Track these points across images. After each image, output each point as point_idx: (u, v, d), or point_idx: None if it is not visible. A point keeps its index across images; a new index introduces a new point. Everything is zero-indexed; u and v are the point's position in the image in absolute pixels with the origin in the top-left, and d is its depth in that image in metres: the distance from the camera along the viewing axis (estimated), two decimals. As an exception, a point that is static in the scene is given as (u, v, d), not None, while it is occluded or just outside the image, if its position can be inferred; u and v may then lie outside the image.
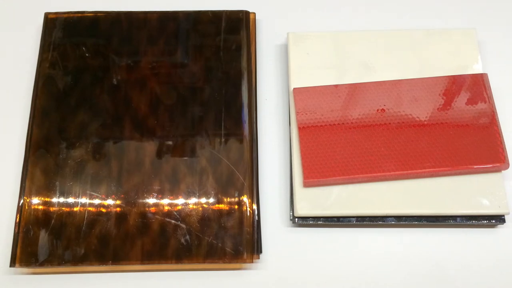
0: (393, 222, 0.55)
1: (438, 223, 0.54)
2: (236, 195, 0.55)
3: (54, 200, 0.54)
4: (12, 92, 0.61)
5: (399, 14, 0.66)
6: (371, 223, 0.55)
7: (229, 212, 0.54)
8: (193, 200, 0.55)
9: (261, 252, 0.54)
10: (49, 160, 0.56)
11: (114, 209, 0.54)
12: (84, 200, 0.54)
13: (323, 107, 0.57)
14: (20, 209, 0.54)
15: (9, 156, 0.58)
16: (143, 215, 0.54)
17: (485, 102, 0.57)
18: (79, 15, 0.62)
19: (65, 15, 0.62)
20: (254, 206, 0.54)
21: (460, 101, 0.57)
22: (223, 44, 0.61)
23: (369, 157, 0.55)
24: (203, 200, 0.55)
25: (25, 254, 0.52)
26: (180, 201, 0.55)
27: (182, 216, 0.54)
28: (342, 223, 0.55)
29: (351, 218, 0.55)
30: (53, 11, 0.63)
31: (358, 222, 0.54)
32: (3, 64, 0.63)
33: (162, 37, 0.61)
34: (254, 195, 0.55)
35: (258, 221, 0.54)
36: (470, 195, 0.54)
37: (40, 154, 0.56)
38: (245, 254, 0.53)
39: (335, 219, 0.55)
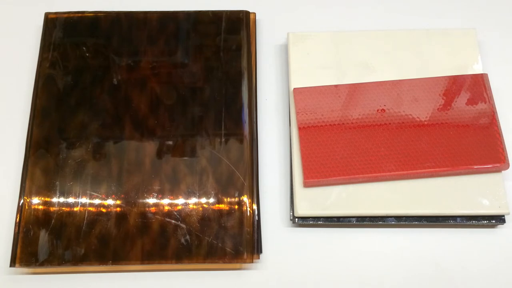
0: (393, 222, 0.55)
1: (438, 223, 0.54)
2: (236, 195, 0.55)
3: (54, 200, 0.54)
4: (12, 92, 0.61)
5: (399, 14, 0.66)
6: (371, 223, 0.55)
7: (229, 212, 0.54)
8: (193, 200, 0.55)
9: (261, 252, 0.54)
10: (49, 160, 0.56)
11: (114, 209, 0.54)
12: (84, 200, 0.54)
13: (323, 107, 0.57)
14: (20, 209, 0.54)
15: (9, 156, 0.58)
16: (143, 215, 0.54)
17: (485, 102, 0.57)
18: (79, 15, 0.62)
19: (65, 15, 0.62)
20: (254, 206, 0.54)
21: (460, 101, 0.57)
22: (223, 44, 0.61)
23: (369, 157, 0.55)
24: (203, 200, 0.55)
25: (25, 254, 0.52)
26: (180, 201, 0.55)
27: (182, 216, 0.54)
28: (342, 223, 0.55)
29: (351, 218, 0.55)
30: (53, 11, 0.63)
31: (358, 222, 0.54)
32: (3, 64, 0.63)
33: (162, 37, 0.61)
34: (254, 195, 0.55)
35: (258, 221, 0.54)
36: (470, 195, 0.54)
37: (40, 154, 0.56)
38: (245, 254, 0.53)
39: (335, 219, 0.55)
